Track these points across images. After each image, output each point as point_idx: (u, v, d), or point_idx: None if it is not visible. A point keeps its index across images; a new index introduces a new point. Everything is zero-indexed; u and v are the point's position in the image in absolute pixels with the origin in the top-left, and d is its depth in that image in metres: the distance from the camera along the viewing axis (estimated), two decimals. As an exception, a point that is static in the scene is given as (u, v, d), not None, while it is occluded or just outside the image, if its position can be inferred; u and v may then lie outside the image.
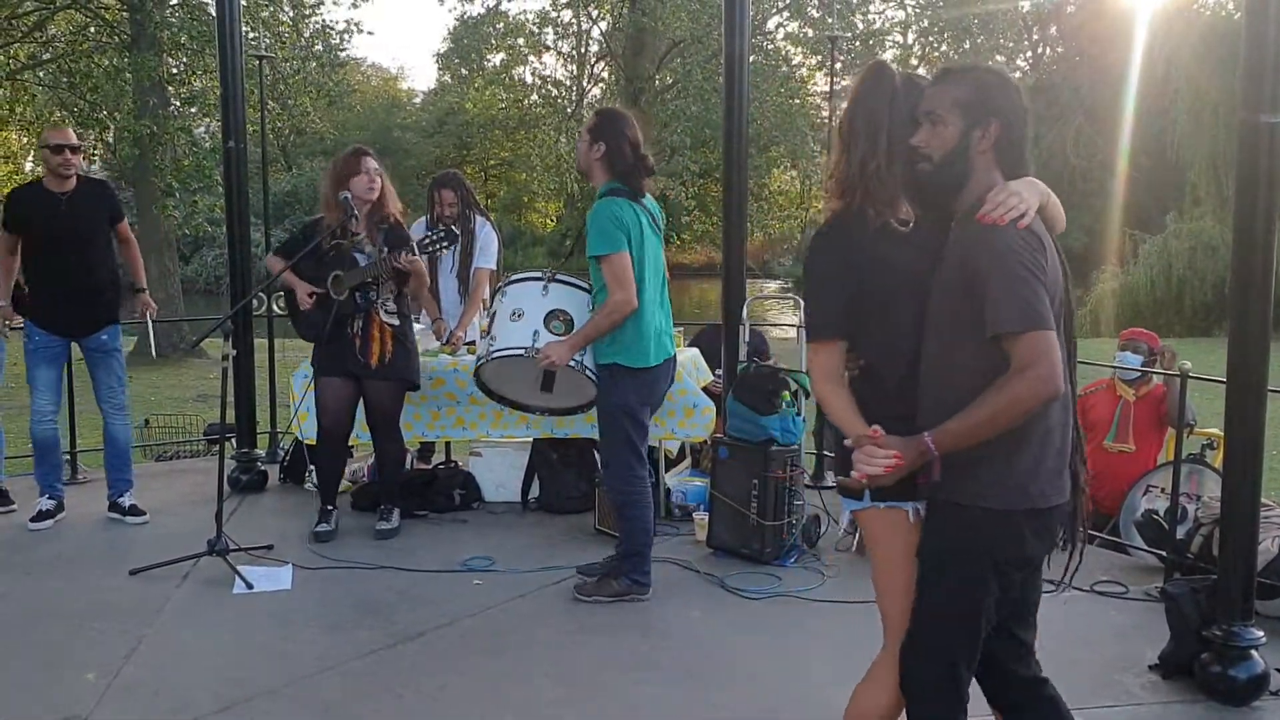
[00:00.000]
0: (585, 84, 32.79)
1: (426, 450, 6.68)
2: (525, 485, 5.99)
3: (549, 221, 41.50)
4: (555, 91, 32.36)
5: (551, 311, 4.54)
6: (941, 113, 2.38)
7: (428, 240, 5.13)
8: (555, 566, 4.88)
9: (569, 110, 30.97)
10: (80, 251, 5.36)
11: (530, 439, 5.89)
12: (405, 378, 5.30)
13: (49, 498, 5.52)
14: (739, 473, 4.99)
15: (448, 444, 6.54)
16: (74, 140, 5.47)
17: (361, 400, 5.28)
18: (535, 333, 4.51)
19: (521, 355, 4.53)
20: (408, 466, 6.10)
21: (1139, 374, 5.68)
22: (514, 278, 4.80)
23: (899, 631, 2.51)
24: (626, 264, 4.23)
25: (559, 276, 4.64)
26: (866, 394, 2.49)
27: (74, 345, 5.57)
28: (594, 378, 4.47)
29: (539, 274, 4.69)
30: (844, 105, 2.54)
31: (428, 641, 4.09)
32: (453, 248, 5.64)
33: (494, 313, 4.77)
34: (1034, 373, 2.20)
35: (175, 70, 16.85)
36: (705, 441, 5.87)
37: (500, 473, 6.03)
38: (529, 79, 32.08)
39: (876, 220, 2.42)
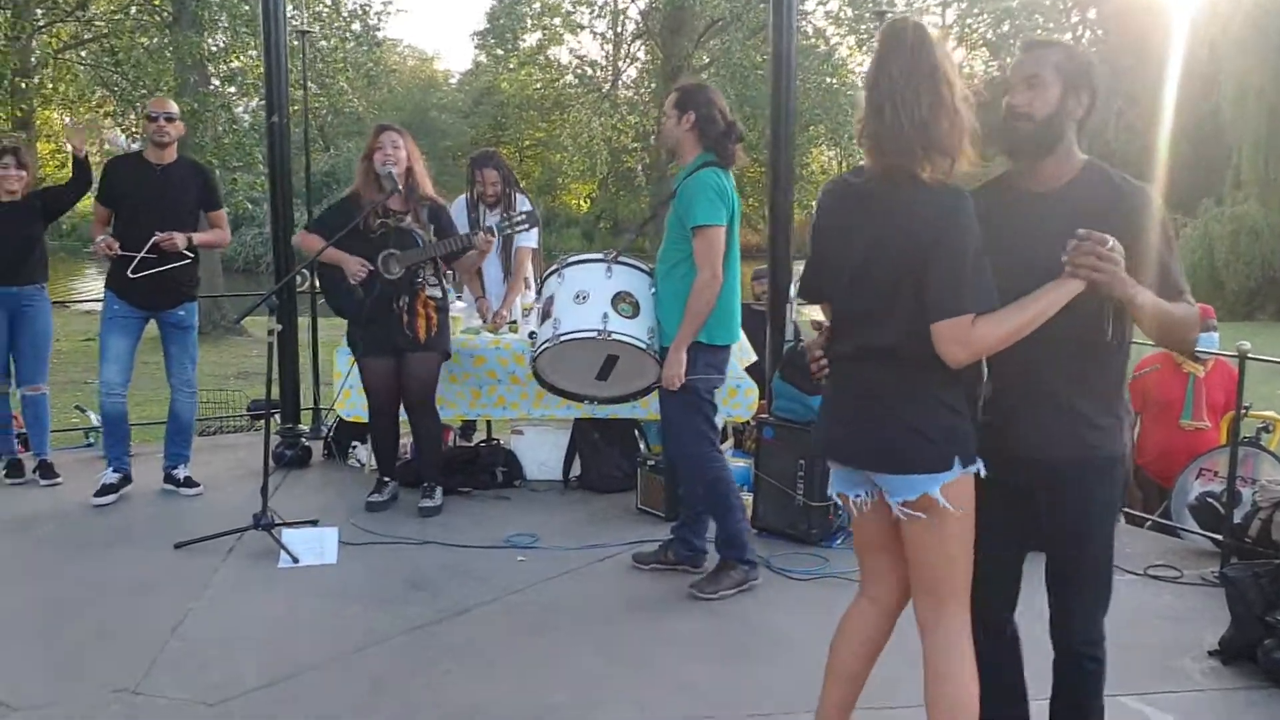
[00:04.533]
0: (621, 64, 32.65)
1: (468, 428, 6.68)
2: (567, 464, 5.97)
3: (583, 203, 41.45)
4: (591, 71, 32.27)
5: (618, 293, 4.29)
6: (1044, 75, 2.45)
7: (506, 222, 5.19)
8: (599, 544, 4.87)
9: (604, 90, 30.88)
10: (165, 224, 5.35)
11: (571, 418, 5.86)
12: (446, 349, 5.32)
13: (114, 470, 5.54)
14: (785, 453, 4.94)
15: (489, 422, 6.53)
16: (171, 109, 5.52)
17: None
18: (604, 315, 4.25)
19: (594, 337, 4.26)
20: (451, 444, 6.11)
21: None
22: (571, 259, 4.55)
23: (961, 578, 2.51)
24: (722, 239, 4.05)
25: (621, 258, 4.41)
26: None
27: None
28: (658, 360, 4.25)
29: (600, 255, 4.46)
30: (875, 60, 2.45)
31: (474, 617, 4.08)
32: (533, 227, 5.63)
33: (550, 296, 4.50)
34: (1196, 316, 2.49)
35: (215, 49, 16.92)
36: (749, 422, 5.81)
37: (542, 451, 6.01)
38: (565, 59, 32.04)
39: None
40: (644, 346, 4.22)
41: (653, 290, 4.30)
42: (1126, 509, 5.33)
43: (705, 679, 3.57)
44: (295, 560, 4.55)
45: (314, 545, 4.69)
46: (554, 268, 4.55)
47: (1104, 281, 2.28)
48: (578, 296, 4.33)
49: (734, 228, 4.17)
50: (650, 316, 4.28)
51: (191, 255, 5.51)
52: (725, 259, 4.10)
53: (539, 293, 4.64)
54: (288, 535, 4.70)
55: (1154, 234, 2.41)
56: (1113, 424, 2.49)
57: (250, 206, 17.43)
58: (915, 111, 2.35)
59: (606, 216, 39.72)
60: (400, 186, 5.06)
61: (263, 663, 3.64)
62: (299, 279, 5.90)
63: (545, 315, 4.47)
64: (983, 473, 2.49)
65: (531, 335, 5.63)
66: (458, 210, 6.12)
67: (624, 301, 4.27)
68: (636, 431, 5.99)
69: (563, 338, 4.32)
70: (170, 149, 5.50)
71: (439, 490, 5.41)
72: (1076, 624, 2.60)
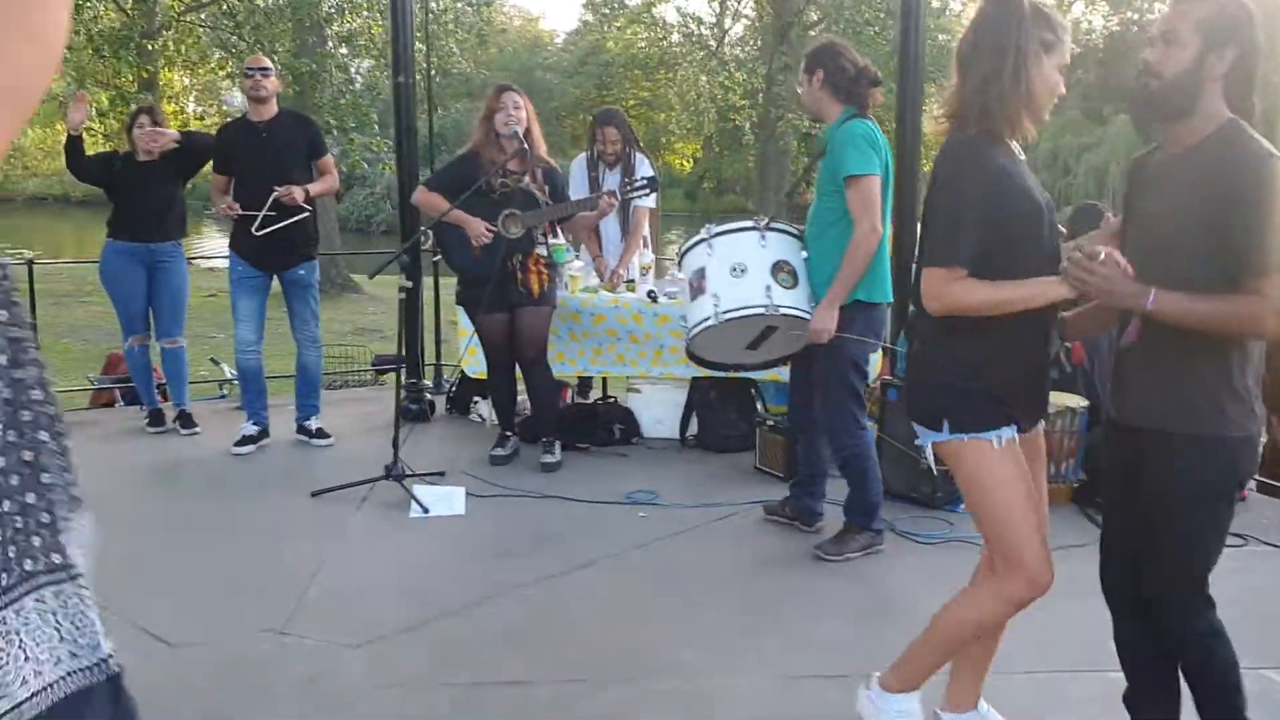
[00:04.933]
0: (728, 21, 32.26)
1: (585, 385, 6.76)
2: (684, 422, 6.01)
3: (686, 163, 41.26)
4: (697, 29, 31.95)
5: (776, 263, 4.06)
6: (1182, 31, 2.32)
7: (628, 186, 5.28)
8: (718, 503, 4.90)
9: (711, 48, 30.60)
10: (277, 178, 5.48)
11: (689, 377, 5.89)
12: (555, 302, 5.42)
13: (253, 423, 5.76)
14: (908, 415, 4.89)
15: (604, 379, 6.61)
16: (264, 64, 5.68)
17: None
18: (767, 288, 4.03)
19: (762, 314, 4.03)
20: (568, 401, 6.20)
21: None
22: (719, 230, 4.22)
23: (1000, 544, 2.55)
24: (877, 188, 3.94)
25: (773, 224, 4.19)
26: (993, 331, 2.42)
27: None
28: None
29: (750, 223, 4.20)
30: (965, 27, 2.51)
31: (600, 570, 4.15)
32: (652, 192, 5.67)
33: (699, 269, 4.19)
34: (1249, 312, 2.23)
35: (331, 9, 17.20)
36: (871, 385, 5.75)
37: (659, 409, 6.06)
38: (671, 18, 31.77)
39: (999, 144, 2.44)
40: (809, 318, 4.08)
41: (804, 255, 4.16)
42: (1263, 478, 5.17)
43: (831, 638, 3.59)
44: (426, 510, 4.68)
45: (443, 497, 4.82)
46: (700, 238, 4.25)
47: (1085, 294, 2.29)
48: (735, 270, 4.09)
49: (888, 181, 4.07)
50: (808, 283, 4.14)
51: (310, 208, 5.64)
52: (883, 212, 4.02)
53: (679, 264, 4.48)
54: (418, 487, 4.84)
55: (1254, 211, 2.21)
56: (1220, 404, 2.32)
57: (366, 167, 17.70)
58: (977, 75, 2.40)
59: (710, 176, 39.51)
60: (526, 147, 5.12)
61: (400, 607, 3.76)
62: (422, 238, 6.01)
63: (698, 291, 4.19)
64: (996, 445, 2.45)
65: (651, 294, 5.68)
66: (578, 168, 6.18)
67: (783, 271, 4.08)
68: (753, 391, 5.99)
69: (726, 316, 4.07)
70: (269, 103, 5.61)
71: (558, 446, 5.50)
72: (1164, 610, 2.49)
